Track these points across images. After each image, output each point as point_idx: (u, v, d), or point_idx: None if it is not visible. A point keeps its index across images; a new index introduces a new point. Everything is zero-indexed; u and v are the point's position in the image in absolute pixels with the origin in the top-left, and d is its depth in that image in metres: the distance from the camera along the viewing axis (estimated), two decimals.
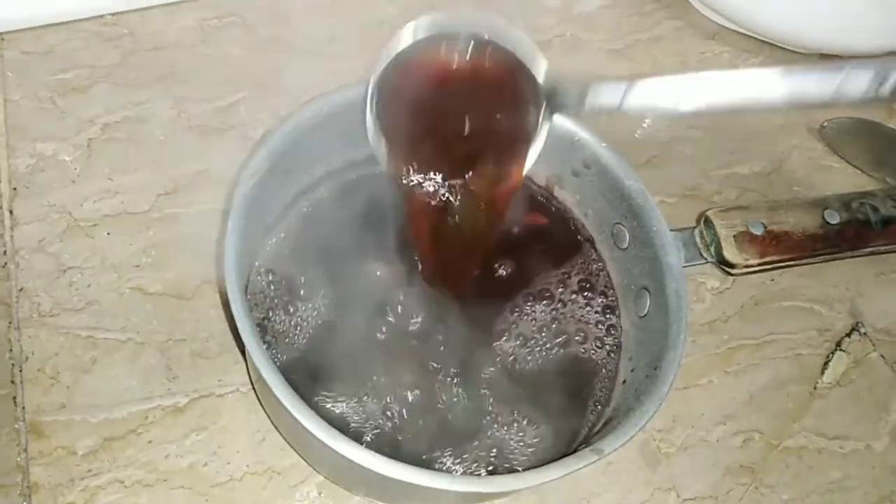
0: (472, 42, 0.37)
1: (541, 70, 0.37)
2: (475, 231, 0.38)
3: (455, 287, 0.42)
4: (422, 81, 0.37)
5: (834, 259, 0.44)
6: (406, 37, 0.37)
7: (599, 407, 0.41)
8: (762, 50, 0.64)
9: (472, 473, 0.39)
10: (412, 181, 0.36)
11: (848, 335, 0.52)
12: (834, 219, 0.43)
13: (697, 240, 0.43)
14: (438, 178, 0.36)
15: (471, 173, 0.36)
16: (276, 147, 0.39)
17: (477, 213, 0.37)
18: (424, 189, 0.36)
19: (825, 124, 0.61)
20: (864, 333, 0.53)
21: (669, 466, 0.46)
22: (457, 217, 0.37)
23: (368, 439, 0.39)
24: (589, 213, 0.46)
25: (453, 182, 0.36)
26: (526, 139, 0.37)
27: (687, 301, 0.39)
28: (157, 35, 0.56)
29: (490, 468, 0.39)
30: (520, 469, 0.39)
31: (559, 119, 0.43)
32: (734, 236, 0.42)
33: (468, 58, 0.37)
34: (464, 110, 0.37)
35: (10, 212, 0.48)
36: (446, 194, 0.37)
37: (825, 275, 0.54)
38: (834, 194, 0.45)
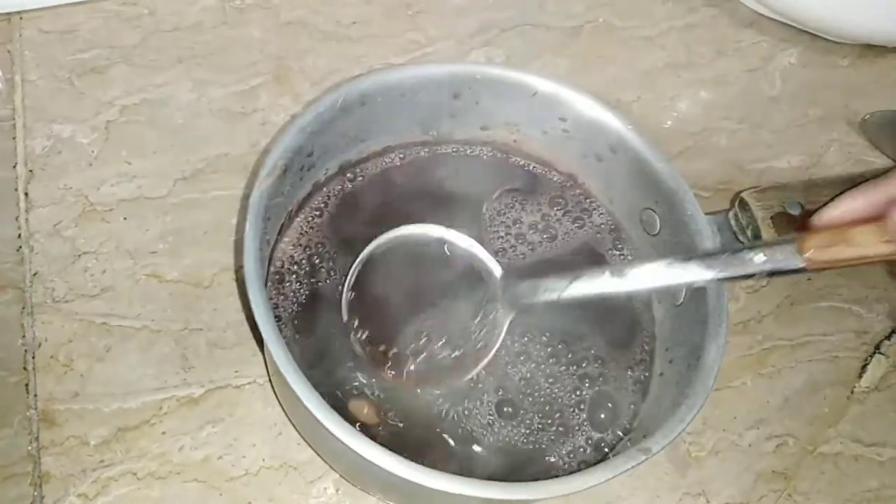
0: (440, 246, 0.41)
1: (496, 273, 0.40)
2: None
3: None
4: (394, 275, 0.41)
5: None
6: (385, 238, 0.40)
7: (636, 401, 0.40)
8: (801, 39, 0.62)
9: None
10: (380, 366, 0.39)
11: (887, 338, 0.50)
12: None
13: (733, 223, 0.41)
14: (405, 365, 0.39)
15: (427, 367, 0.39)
16: (300, 129, 0.38)
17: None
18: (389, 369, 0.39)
19: (866, 117, 0.58)
20: None
21: (699, 471, 0.45)
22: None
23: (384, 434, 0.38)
24: (615, 199, 0.45)
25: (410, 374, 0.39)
26: (490, 331, 0.39)
27: (727, 288, 0.37)
28: (177, 15, 0.55)
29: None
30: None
31: (580, 102, 0.42)
32: (771, 218, 0.40)
33: (437, 259, 0.40)
34: (431, 306, 0.40)
35: (26, 194, 0.47)
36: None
37: (864, 275, 0.52)
38: (871, 170, 0.43)
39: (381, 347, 0.39)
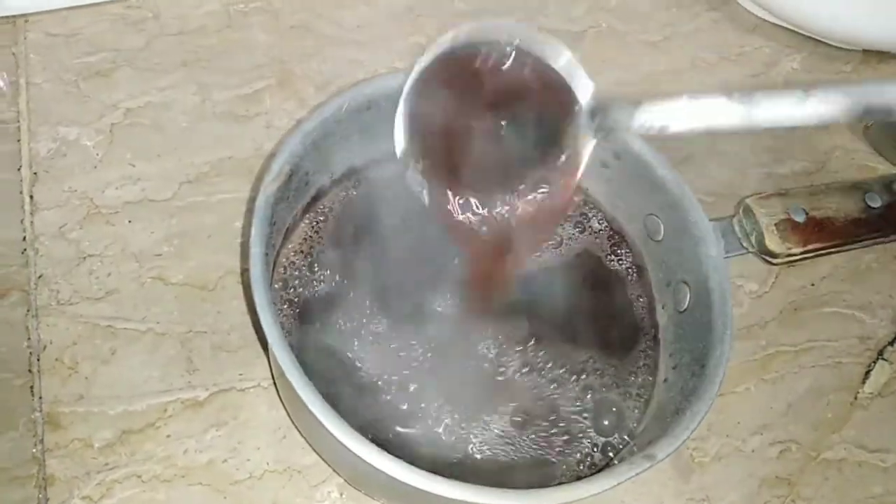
0: (515, 55, 0.33)
1: (587, 89, 0.33)
2: (516, 254, 0.36)
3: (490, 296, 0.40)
4: (458, 92, 0.34)
5: (877, 244, 0.43)
6: (445, 43, 0.33)
7: (640, 407, 0.40)
8: (804, 45, 0.62)
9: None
10: (447, 204, 0.34)
11: (891, 344, 0.50)
12: (875, 202, 0.42)
13: (737, 229, 0.41)
14: (475, 200, 0.34)
15: (509, 198, 0.34)
16: (305, 134, 0.38)
17: (517, 238, 0.35)
18: (461, 212, 0.34)
19: (870, 124, 0.58)
20: None
21: (703, 476, 0.45)
22: (497, 240, 0.35)
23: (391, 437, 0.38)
24: (619, 204, 0.45)
25: (491, 207, 0.34)
26: (571, 161, 0.34)
27: (731, 294, 0.37)
28: (182, 19, 0.55)
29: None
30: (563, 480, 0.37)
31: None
32: (775, 224, 0.41)
33: (510, 71, 0.33)
34: (503, 129, 0.34)
35: (31, 197, 0.47)
36: (484, 219, 0.34)
37: (868, 280, 0.52)
38: (874, 177, 0.43)
39: (445, 183, 0.33)
